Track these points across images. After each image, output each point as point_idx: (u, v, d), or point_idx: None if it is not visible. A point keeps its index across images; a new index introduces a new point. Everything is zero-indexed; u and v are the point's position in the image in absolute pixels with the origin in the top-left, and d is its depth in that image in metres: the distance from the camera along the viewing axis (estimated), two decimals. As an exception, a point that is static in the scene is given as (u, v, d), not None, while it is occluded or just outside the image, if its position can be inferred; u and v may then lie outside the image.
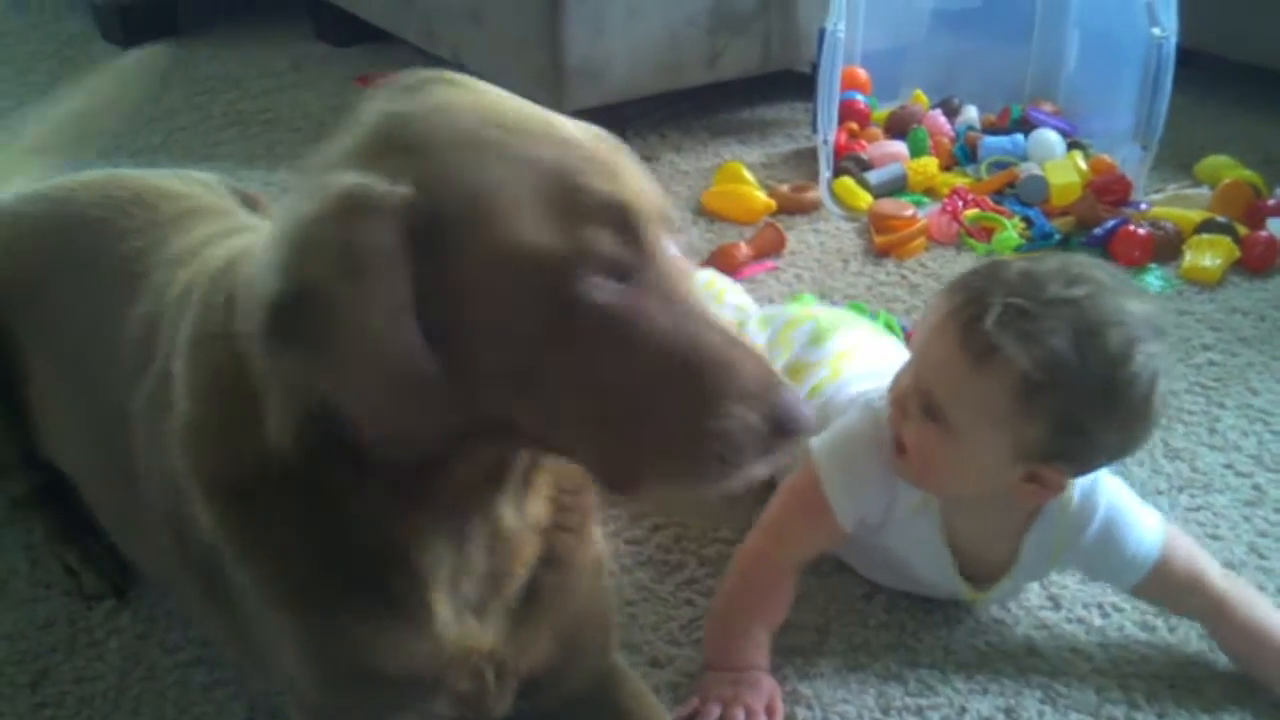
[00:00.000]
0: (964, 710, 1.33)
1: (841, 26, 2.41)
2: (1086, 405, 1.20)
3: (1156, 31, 2.41)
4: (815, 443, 1.39)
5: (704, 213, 2.48)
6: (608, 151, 0.90)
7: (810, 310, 1.71)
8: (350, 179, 0.82)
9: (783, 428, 0.87)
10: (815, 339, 1.61)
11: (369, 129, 0.88)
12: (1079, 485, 1.34)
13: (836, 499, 1.36)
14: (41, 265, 1.37)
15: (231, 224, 1.30)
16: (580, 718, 1.25)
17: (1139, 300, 1.24)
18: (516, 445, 0.96)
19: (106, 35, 3.42)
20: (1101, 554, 1.37)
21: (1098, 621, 1.46)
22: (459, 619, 1.03)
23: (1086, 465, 1.28)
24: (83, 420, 1.30)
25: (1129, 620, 1.46)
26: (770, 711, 1.29)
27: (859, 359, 1.56)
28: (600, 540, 1.20)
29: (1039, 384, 1.18)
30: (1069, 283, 1.21)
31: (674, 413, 0.86)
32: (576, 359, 0.85)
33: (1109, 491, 1.36)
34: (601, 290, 0.84)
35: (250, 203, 1.51)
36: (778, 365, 1.56)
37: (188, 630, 1.40)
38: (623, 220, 0.85)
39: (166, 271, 1.17)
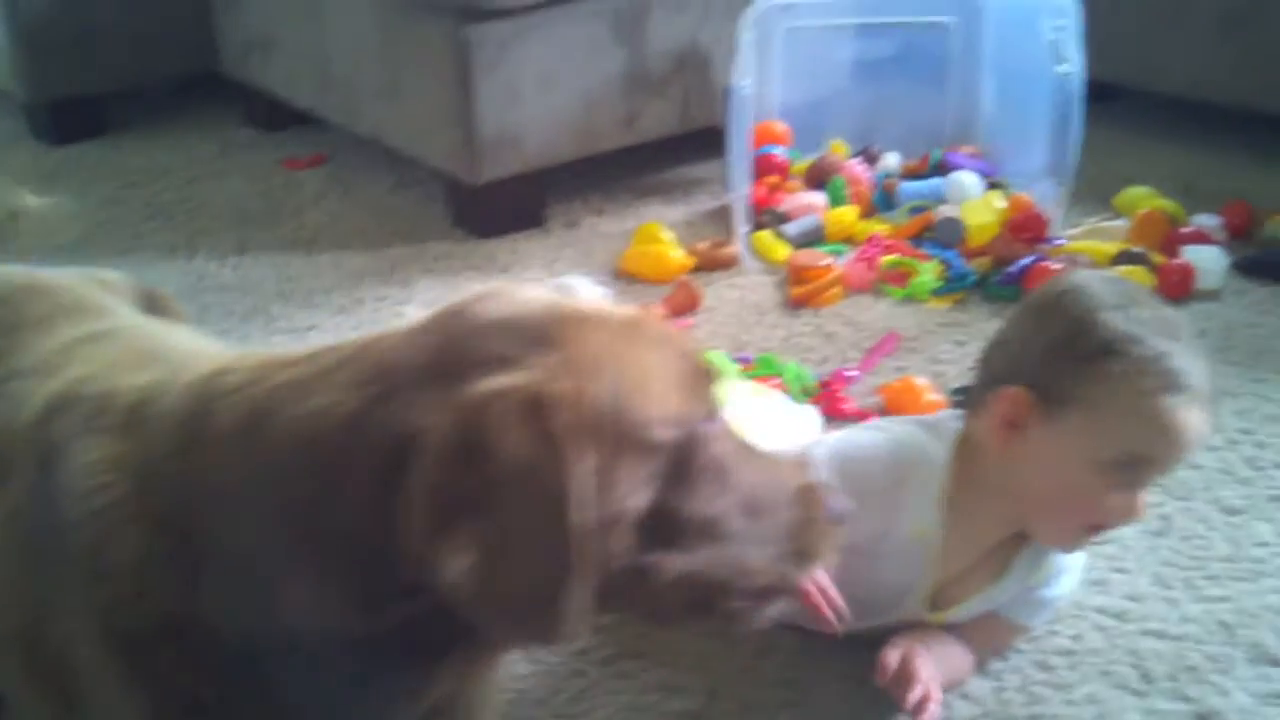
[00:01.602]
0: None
1: (748, 83, 2.43)
2: None
3: (1062, 68, 2.42)
4: (820, 442, 1.43)
5: (622, 275, 2.48)
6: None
7: None
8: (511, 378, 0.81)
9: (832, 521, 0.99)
10: None
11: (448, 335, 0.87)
12: None
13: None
14: None
15: (99, 327, 1.21)
16: None
17: None
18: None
19: (36, 134, 3.43)
20: (1043, 589, 1.40)
21: (995, 664, 1.44)
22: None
23: None
24: None
25: (1028, 661, 1.44)
26: None
27: (745, 426, 1.54)
28: None
29: None
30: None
31: (757, 542, 0.93)
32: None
33: None
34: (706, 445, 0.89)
35: (153, 302, 1.45)
36: None
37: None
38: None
39: (22, 383, 1.10)
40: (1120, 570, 1.58)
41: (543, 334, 0.84)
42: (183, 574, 0.88)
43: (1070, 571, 1.42)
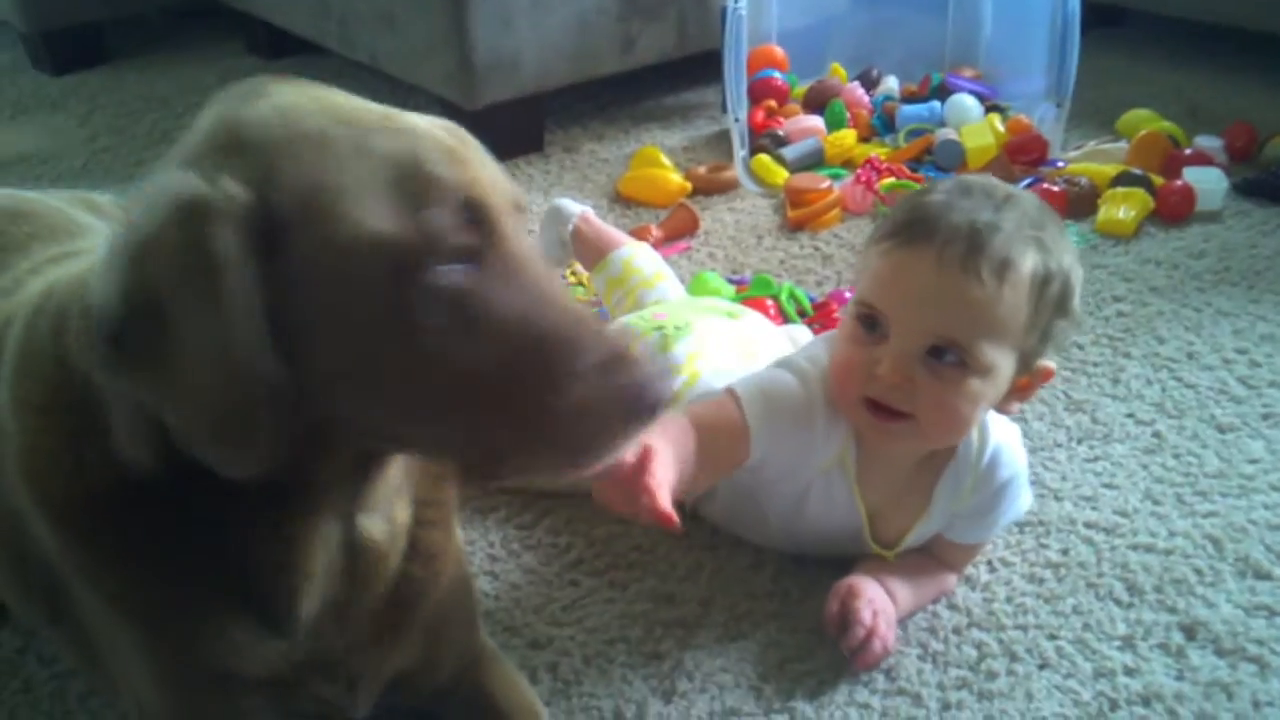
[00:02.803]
0: (841, 671, 1.32)
1: (743, 4, 2.40)
2: (1070, 285, 1.25)
3: (1063, -11, 2.40)
4: (740, 380, 1.38)
5: (620, 198, 2.47)
6: (453, 141, 0.89)
7: (655, 318, 1.65)
8: (186, 184, 0.80)
9: (639, 404, 0.86)
10: (662, 347, 1.56)
11: (205, 134, 0.85)
12: (991, 439, 1.35)
13: (757, 428, 1.32)
14: None
15: (71, 247, 1.25)
16: (449, 706, 1.24)
17: (1019, 189, 1.33)
18: (370, 445, 0.94)
19: (36, 64, 3.43)
20: (984, 511, 1.38)
21: (984, 577, 1.45)
22: (316, 621, 1.01)
23: (1055, 348, 1.31)
24: None
25: (1017, 573, 1.46)
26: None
27: (712, 353, 1.55)
28: (458, 529, 1.19)
29: (1045, 277, 1.22)
30: (993, 190, 1.27)
31: (523, 397, 0.85)
32: (426, 349, 0.83)
33: (1015, 452, 1.38)
34: (447, 276, 0.83)
35: None
36: None
37: (64, 642, 1.39)
38: (468, 206, 0.84)
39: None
40: (1110, 486, 1.59)
41: (253, 138, 0.83)
42: (75, 444, 0.94)
43: (1011, 488, 1.38)
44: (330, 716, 1.11)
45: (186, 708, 1.05)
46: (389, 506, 1.03)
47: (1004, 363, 1.24)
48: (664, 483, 1.11)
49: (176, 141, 0.86)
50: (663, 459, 1.13)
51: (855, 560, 1.42)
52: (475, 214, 0.84)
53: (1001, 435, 1.36)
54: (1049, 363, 1.30)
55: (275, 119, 0.85)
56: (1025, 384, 1.29)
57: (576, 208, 2.01)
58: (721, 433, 1.32)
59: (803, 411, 1.34)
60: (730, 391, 1.36)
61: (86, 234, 1.32)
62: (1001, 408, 1.32)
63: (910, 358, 1.23)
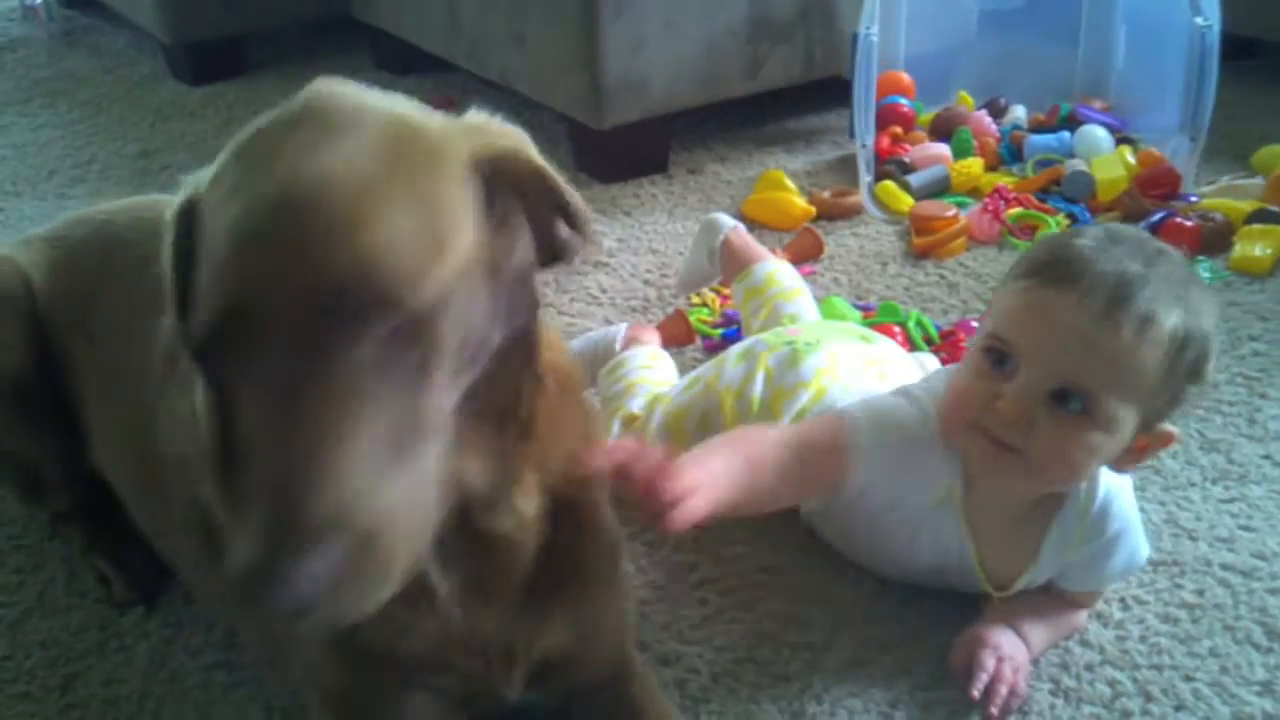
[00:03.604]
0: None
1: (874, 30, 2.41)
2: (1209, 351, 1.23)
3: (1199, 21, 2.36)
4: (853, 404, 1.40)
5: (744, 220, 2.48)
6: (288, 213, 0.79)
7: (788, 333, 1.67)
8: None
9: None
10: (792, 361, 1.57)
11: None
12: (1101, 490, 1.33)
13: (857, 455, 1.32)
14: (87, 285, 1.46)
15: None
16: (592, 707, 1.26)
17: (1165, 244, 1.30)
18: None
19: (176, 74, 3.55)
20: (1097, 562, 1.37)
21: (1117, 615, 1.44)
22: (463, 603, 1.04)
23: (1180, 413, 1.28)
24: (124, 430, 1.37)
25: (1151, 613, 1.44)
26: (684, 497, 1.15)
27: (842, 373, 1.55)
28: (614, 528, 1.20)
29: (1184, 343, 1.20)
30: (1143, 244, 1.25)
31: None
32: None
33: (1126, 504, 1.36)
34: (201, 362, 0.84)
35: None
36: (756, 394, 1.55)
37: (210, 635, 1.44)
38: (228, 310, 0.79)
39: None
40: (1247, 528, 1.56)
41: (251, 144, 0.86)
42: None
43: (1123, 540, 1.36)
44: (480, 698, 1.14)
45: (351, 685, 1.10)
46: (503, 499, 1.01)
47: (1127, 419, 1.22)
48: (689, 496, 1.12)
49: None
50: (700, 474, 1.16)
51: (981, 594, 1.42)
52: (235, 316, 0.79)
53: (1113, 486, 1.34)
54: (1172, 428, 1.27)
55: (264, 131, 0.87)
56: (1144, 445, 1.26)
57: (730, 221, 2.04)
58: (821, 450, 1.34)
59: (914, 441, 1.34)
60: (841, 412, 1.37)
61: None
62: (1116, 466, 1.30)
63: (1034, 398, 1.22)
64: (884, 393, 1.45)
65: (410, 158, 0.84)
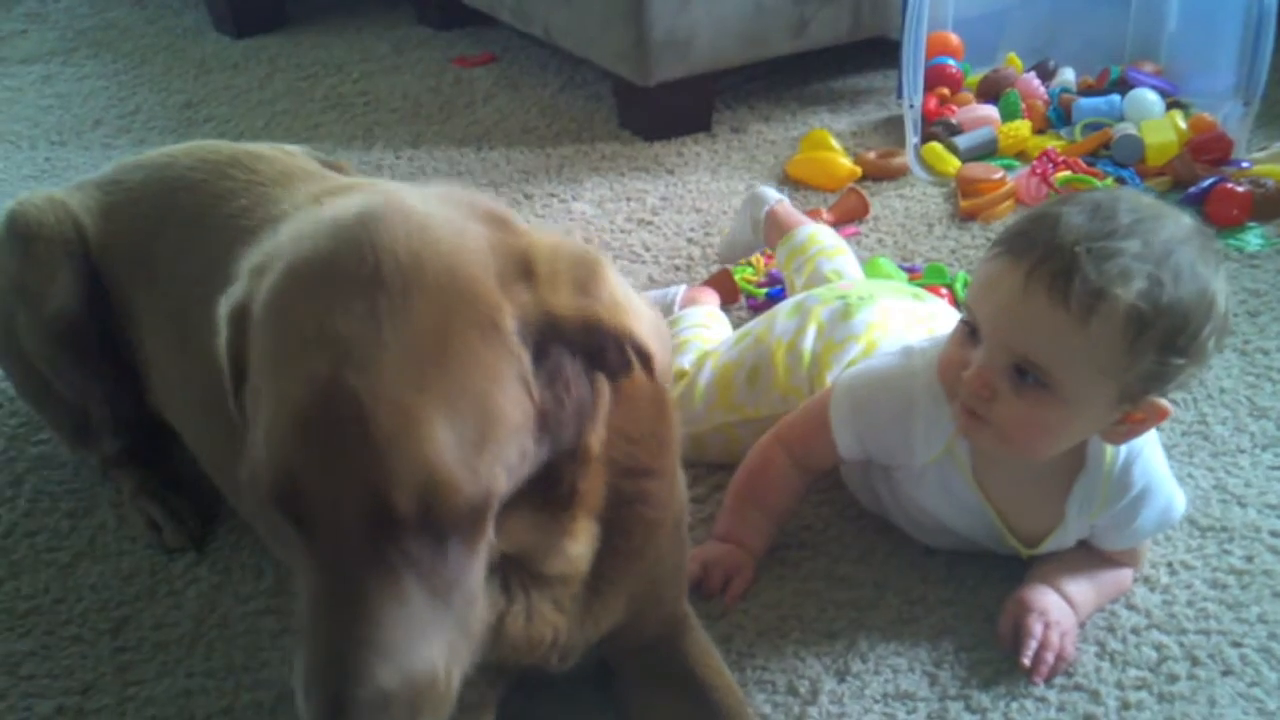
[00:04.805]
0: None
1: (925, -11, 2.38)
2: (1188, 326, 1.17)
3: (1257, -17, 2.33)
4: (844, 372, 1.44)
5: (788, 180, 2.48)
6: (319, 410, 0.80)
7: (840, 288, 1.68)
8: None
9: None
10: (844, 315, 1.57)
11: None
12: (1123, 451, 1.32)
13: (838, 428, 1.39)
14: (146, 228, 1.47)
15: (332, 184, 1.36)
16: (646, 662, 1.26)
17: (1177, 210, 1.24)
18: None
19: (219, 27, 3.56)
20: (1126, 521, 1.36)
21: (1165, 579, 1.43)
22: (525, 619, 1.06)
23: (1174, 386, 1.25)
24: (192, 373, 1.36)
25: (1198, 578, 1.43)
26: (730, 578, 1.42)
27: (894, 327, 1.55)
28: (679, 498, 1.20)
29: (1147, 317, 1.15)
30: (1127, 211, 1.20)
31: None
32: None
33: (1150, 462, 1.34)
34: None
35: (335, 168, 1.57)
36: (808, 347, 1.56)
37: (260, 582, 1.46)
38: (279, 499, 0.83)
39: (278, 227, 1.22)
40: (1298, 495, 1.56)
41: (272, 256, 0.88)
42: None
43: (1149, 497, 1.34)
44: (529, 673, 1.15)
45: None
46: (551, 551, 1.02)
47: (1095, 394, 1.20)
48: (734, 576, 1.43)
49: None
50: (737, 550, 1.43)
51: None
52: (291, 494, 0.82)
53: (1135, 447, 1.32)
54: (1164, 402, 1.23)
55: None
56: (1138, 419, 1.24)
57: (775, 194, 2.05)
58: (812, 435, 1.43)
59: (897, 400, 1.36)
60: (832, 385, 1.42)
61: (329, 175, 1.44)
62: (1110, 438, 1.28)
63: (995, 371, 1.21)
64: (880, 356, 1.46)
65: (463, 336, 0.82)
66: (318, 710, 0.80)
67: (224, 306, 0.93)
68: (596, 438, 0.99)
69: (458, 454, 0.80)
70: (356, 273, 0.82)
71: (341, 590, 0.81)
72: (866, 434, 1.39)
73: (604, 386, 0.98)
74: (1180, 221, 1.21)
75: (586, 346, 0.91)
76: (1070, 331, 1.16)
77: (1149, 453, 1.35)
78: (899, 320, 1.56)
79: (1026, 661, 1.30)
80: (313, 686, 0.81)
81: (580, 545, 1.04)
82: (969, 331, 1.25)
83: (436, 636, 0.84)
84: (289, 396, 0.80)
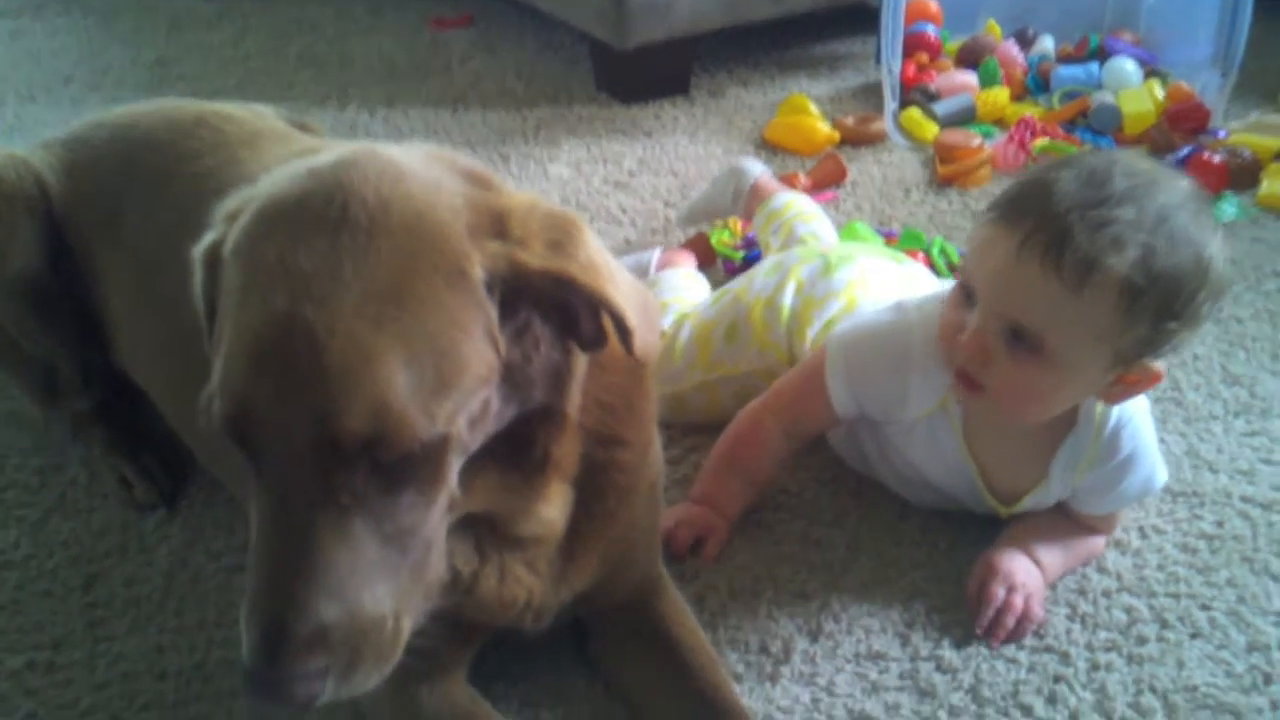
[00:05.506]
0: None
1: (906, -46, 2.37)
2: (1183, 292, 1.17)
3: (1236, -47, 2.33)
4: (836, 329, 1.43)
5: (765, 145, 2.47)
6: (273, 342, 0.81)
7: (819, 248, 1.68)
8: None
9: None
10: (824, 272, 1.57)
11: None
12: (1115, 413, 1.32)
13: (834, 384, 1.39)
14: (111, 187, 1.44)
15: (302, 145, 1.34)
16: (621, 622, 1.27)
17: (1174, 174, 1.23)
18: None
19: (193, -15, 3.50)
20: (1109, 485, 1.36)
21: (1136, 543, 1.44)
22: (499, 579, 1.06)
23: (1168, 350, 1.24)
24: (158, 331, 1.35)
25: (1169, 542, 1.44)
26: (700, 539, 1.43)
27: (873, 286, 1.55)
28: (655, 461, 1.20)
29: (1140, 286, 1.15)
30: (1122, 177, 1.18)
31: None
32: None
33: (1140, 427, 1.35)
34: None
35: (305, 129, 1.56)
36: (786, 304, 1.56)
37: (232, 538, 1.45)
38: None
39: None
40: (1268, 461, 1.56)
41: (273, 224, 0.86)
42: None
43: (1135, 462, 1.35)
44: (503, 633, 1.15)
45: None
46: (525, 514, 1.02)
47: (1090, 358, 1.20)
48: (708, 538, 1.42)
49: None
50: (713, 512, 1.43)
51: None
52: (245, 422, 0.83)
53: (1126, 411, 1.33)
54: (1157, 365, 1.23)
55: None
56: (1133, 380, 1.24)
57: (759, 166, 2.06)
58: (807, 396, 1.43)
59: (890, 355, 1.36)
60: (826, 341, 1.42)
61: (297, 136, 1.42)
62: (1105, 398, 1.28)
63: (989, 334, 1.21)
64: (875, 311, 1.45)
65: (427, 280, 0.82)
66: (256, 639, 0.81)
67: (198, 250, 0.92)
68: (572, 404, 0.98)
69: (411, 393, 0.80)
70: (324, 213, 0.82)
71: (289, 523, 0.81)
72: (861, 389, 1.38)
73: (579, 354, 0.97)
74: (1176, 185, 1.20)
75: (557, 305, 0.91)
76: (1063, 300, 1.16)
77: (1140, 420, 1.35)
78: (878, 280, 1.56)
79: (980, 630, 1.31)
80: (253, 616, 0.81)
81: (553, 509, 1.04)
82: (965, 294, 1.25)
83: (385, 580, 0.84)
84: (247, 327, 0.81)
